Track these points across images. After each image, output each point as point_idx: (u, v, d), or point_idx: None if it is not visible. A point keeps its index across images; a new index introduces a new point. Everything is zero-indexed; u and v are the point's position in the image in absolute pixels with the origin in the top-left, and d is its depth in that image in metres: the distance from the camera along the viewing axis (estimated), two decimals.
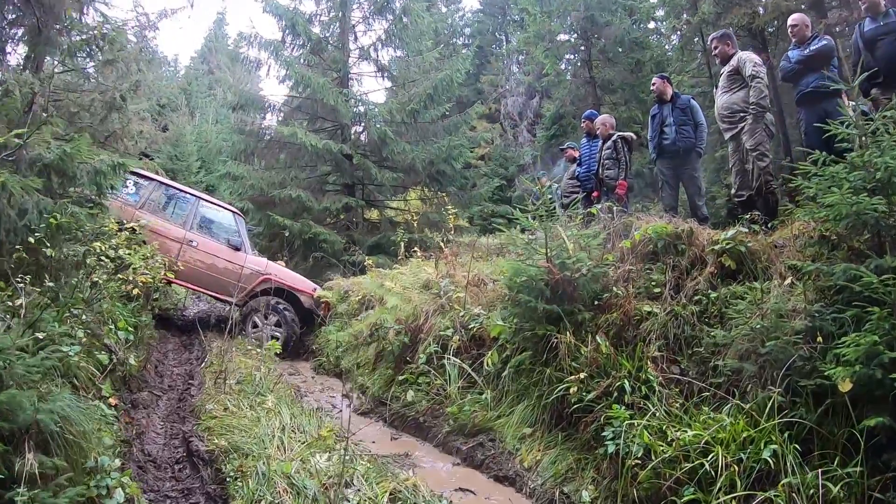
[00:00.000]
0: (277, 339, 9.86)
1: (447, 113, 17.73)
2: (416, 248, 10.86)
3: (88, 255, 5.39)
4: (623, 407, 4.36)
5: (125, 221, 8.55)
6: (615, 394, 4.50)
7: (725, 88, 6.80)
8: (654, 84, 7.74)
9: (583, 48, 18.89)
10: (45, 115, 11.68)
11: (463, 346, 6.23)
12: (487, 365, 5.56)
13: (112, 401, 5.73)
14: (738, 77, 6.72)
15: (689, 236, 5.48)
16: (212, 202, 10.58)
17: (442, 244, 8.28)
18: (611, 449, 4.13)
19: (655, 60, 17.72)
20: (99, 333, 6.08)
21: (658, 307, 5.03)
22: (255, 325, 9.91)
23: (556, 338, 5.01)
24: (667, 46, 18.70)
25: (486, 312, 6.42)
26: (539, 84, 29.30)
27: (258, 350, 8.62)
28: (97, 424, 4.54)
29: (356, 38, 17.53)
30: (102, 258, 5.64)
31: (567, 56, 20.59)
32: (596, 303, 5.27)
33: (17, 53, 13.14)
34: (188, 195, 10.31)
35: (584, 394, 4.59)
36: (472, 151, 22.04)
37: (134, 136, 14.19)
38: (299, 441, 5.01)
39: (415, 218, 12.73)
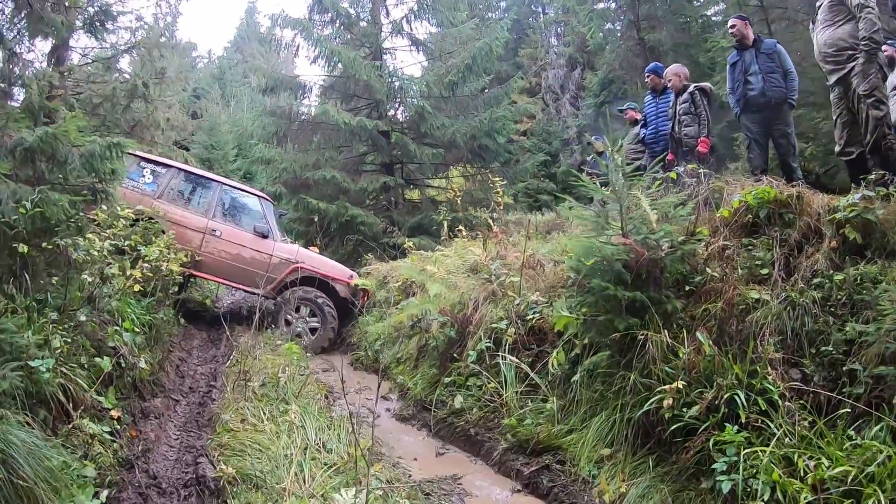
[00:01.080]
0: (314, 333, 9.09)
1: (486, 87, 16.68)
2: (460, 228, 9.82)
3: (76, 248, 4.56)
4: (735, 427, 3.35)
5: (142, 212, 7.85)
6: (723, 409, 3.49)
7: (828, 22, 5.65)
8: (732, 26, 6.58)
9: (628, 9, 17.54)
10: (63, 106, 11.17)
11: (520, 340, 5.24)
12: (552, 367, 4.55)
13: (114, 413, 4.97)
14: (842, 7, 5.59)
15: (798, 202, 4.42)
16: (236, 187, 9.76)
17: (491, 221, 7.25)
18: (725, 487, 3.13)
19: (708, 19, 16.37)
20: (100, 336, 5.31)
21: (767, 293, 3.99)
22: (287, 322, 9.09)
23: (643, 334, 4.00)
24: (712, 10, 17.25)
25: (544, 300, 5.42)
26: (581, 55, 28.11)
27: (286, 344, 7.80)
28: (71, 455, 3.75)
29: (388, 13, 16.55)
30: (94, 251, 4.78)
31: (609, 25, 19.27)
32: (686, 288, 4.25)
33: (37, 50, 12.73)
34: (210, 181, 9.51)
35: (682, 409, 3.58)
36: (515, 124, 20.96)
37: (160, 125, 13.61)
38: (323, 465, 4.14)
39: (458, 195, 11.69)
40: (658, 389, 3.72)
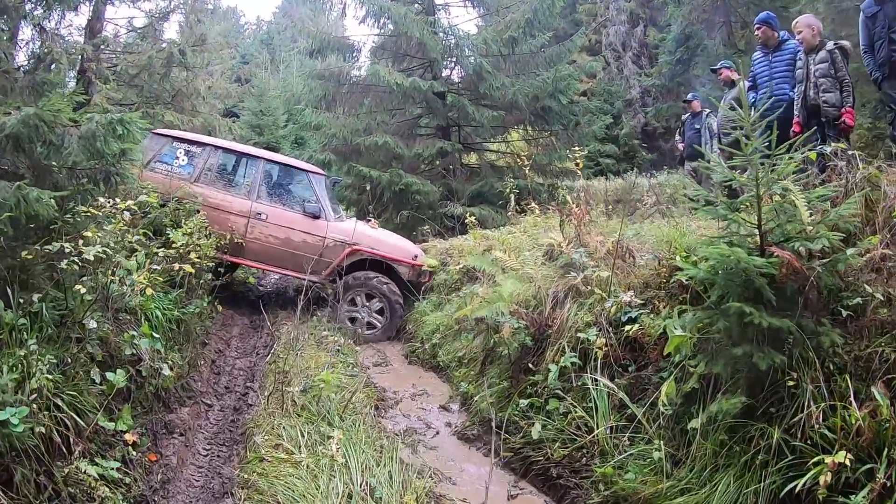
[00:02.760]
0: (376, 326, 8.22)
1: (545, 45, 15.45)
2: (531, 202, 8.64)
3: (63, 254, 3.76)
4: None
5: (178, 199, 7.20)
6: None
7: None
8: None
9: None
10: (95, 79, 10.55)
11: (611, 354, 4.26)
12: (662, 404, 3.55)
13: (129, 438, 4.24)
14: None
15: None
16: (282, 162, 8.84)
17: (570, 198, 6.17)
18: None
19: None
20: (116, 344, 4.57)
21: None
22: (351, 317, 8.22)
23: (792, 378, 2.97)
24: None
25: (640, 301, 4.40)
26: (643, 11, 26.55)
27: (334, 337, 6.99)
28: None
29: None
30: (88, 255, 3.95)
31: None
32: (843, 314, 3.18)
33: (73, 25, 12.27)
34: (252, 157, 8.61)
35: (846, 495, 2.59)
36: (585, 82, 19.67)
37: (201, 93, 12.92)
38: None
39: (526, 163, 10.58)
40: (814, 461, 2.71)
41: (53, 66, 9.00)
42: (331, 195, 9.04)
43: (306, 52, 16.41)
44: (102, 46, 11.27)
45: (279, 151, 20.81)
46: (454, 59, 14.91)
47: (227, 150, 8.59)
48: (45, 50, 8.67)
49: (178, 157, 8.06)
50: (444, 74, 14.87)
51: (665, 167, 16.95)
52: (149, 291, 4.54)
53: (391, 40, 14.93)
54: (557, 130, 15.02)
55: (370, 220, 9.41)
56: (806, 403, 2.95)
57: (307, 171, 8.74)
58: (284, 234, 8.19)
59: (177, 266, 5.11)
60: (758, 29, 6.54)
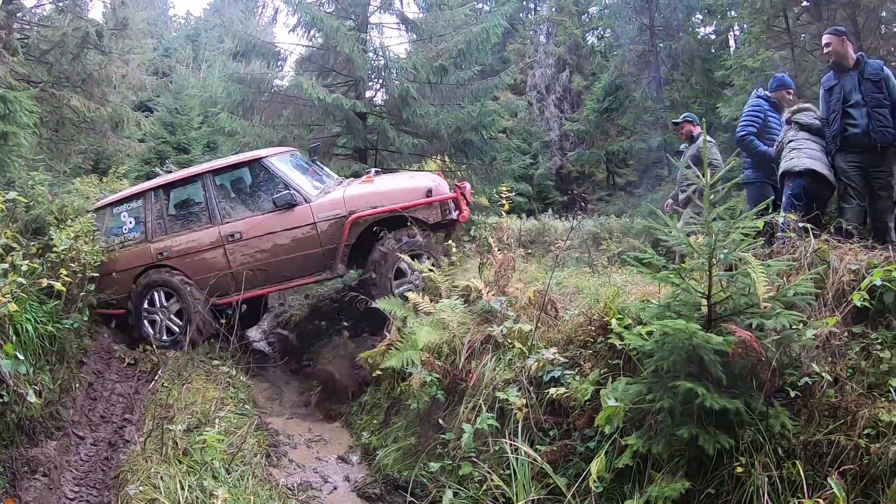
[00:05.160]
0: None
1: (472, 79, 15.39)
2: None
3: None
4: None
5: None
6: None
7: None
8: (827, 44, 5.14)
9: (641, 12, 16.33)
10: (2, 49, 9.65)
11: (532, 416, 3.92)
12: (593, 482, 3.22)
13: None
14: None
15: None
16: (225, 166, 7.45)
17: (492, 241, 5.82)
18: None
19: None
20: None
21: None
22: (400, 274, 6.83)
23: (738, 461, 2.74)
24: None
25: (564, 359, 4.11)
26: (571, 57, 27.28)
27: (226, 366, 6.41)
28: None
29: None
30: None
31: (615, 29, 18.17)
32: (791, 394, 3.00)
33: None
34: (194, 178, 7.36)
35: None
36: (506, 120, 19.76)
37: (114, 81, 12.05)
38: None
39: None
40: None
41: None
42: (310, 168, 7.79)
43: (230, 54, 15.68)
44: (18, 14, 10.38)
45: (189, 153, 19.90)
46: (381, 81, 14.62)
47: (165, 187, 7.37)
48: None
49: (123, 223, 7.16)
50: (368, 95, 14.46)
51: (580, 212, 17.20)
52: (12, 307, 3.89)
53: (319, 53, 14.45)
54: (476, 165, 14.90)
55: (368, 173, 7.93)
56: (756, 492, 2.71)
57: (258, 158, 7.30)
58: (269, 242, 6.92)
59: (45, 282, 4.42)
60: (773, 91, 6.26)
